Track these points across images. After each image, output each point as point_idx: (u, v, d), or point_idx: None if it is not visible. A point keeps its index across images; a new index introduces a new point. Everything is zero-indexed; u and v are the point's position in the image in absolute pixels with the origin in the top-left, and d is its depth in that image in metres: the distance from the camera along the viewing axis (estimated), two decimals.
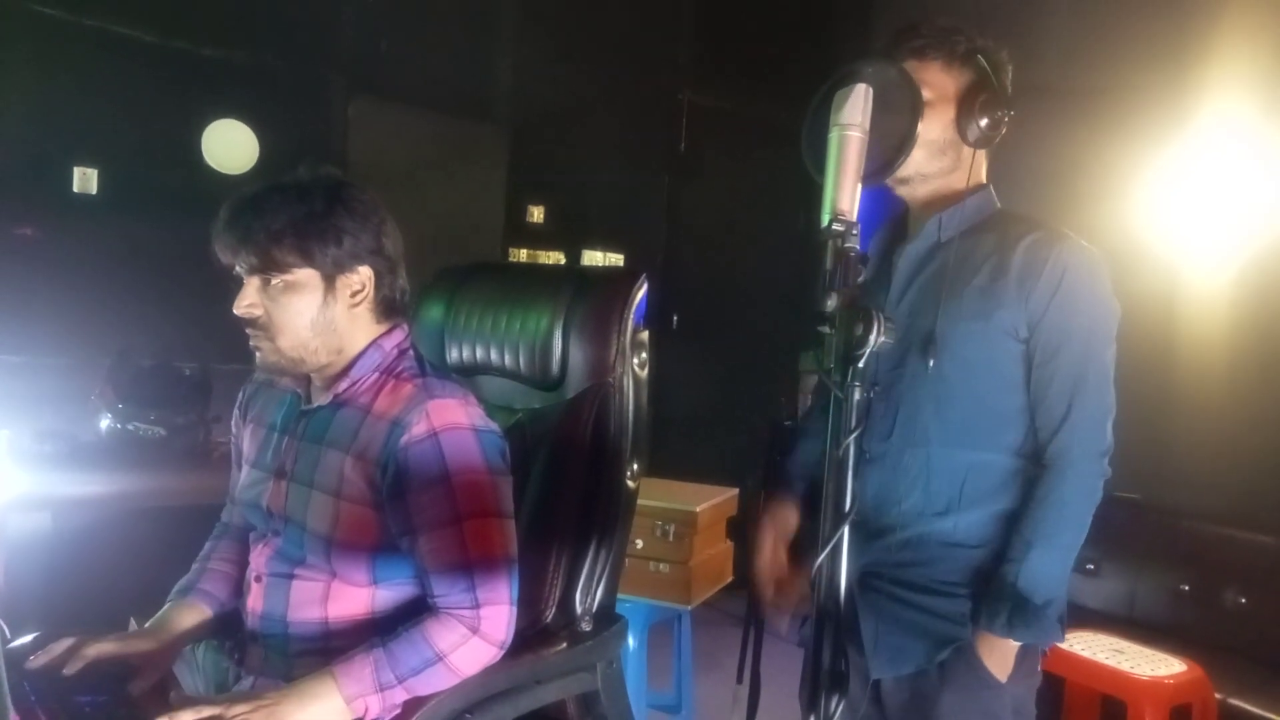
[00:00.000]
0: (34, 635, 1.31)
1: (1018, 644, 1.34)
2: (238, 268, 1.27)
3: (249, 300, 1.26)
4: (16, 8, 2.96)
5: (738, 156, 4.54)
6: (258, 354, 1.30)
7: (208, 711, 1.11)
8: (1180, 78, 3.02)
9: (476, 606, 1.22)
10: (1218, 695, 2.41)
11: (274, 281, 1.25)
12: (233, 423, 1.51)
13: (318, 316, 1.27)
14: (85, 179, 3.10)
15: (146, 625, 1.35)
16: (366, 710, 1.18)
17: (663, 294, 4.31)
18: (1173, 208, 3.12)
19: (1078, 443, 1.31)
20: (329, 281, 1.27)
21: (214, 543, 1.50)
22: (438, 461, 1.23)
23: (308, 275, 1.26)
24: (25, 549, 2.15)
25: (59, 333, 2.96)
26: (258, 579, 1.33)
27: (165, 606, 1.40)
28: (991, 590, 1.33)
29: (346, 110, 3.63)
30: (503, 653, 1.24)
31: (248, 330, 1.29)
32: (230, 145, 3.28)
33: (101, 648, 1.26)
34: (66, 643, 1.26)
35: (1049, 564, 1.31)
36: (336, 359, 1.31)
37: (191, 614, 1.38)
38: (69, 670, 1.22)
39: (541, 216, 4.25)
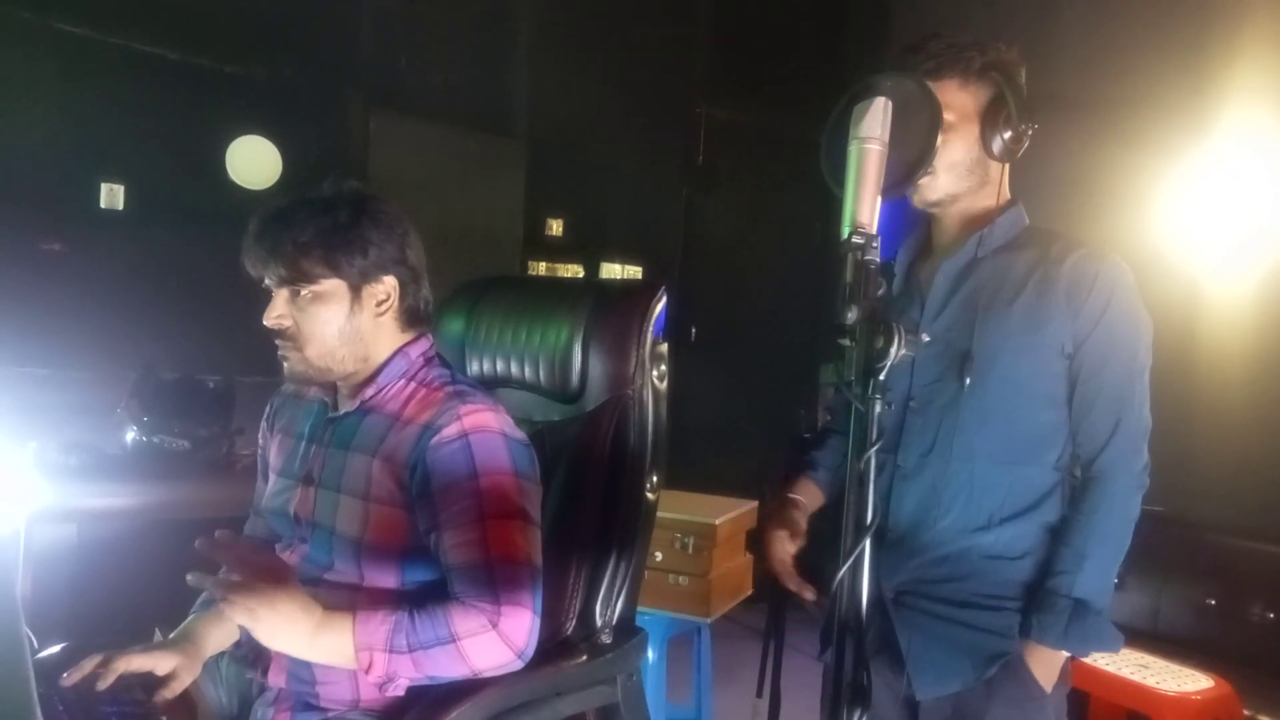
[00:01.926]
0: (61, 646, 1.33)
1: (1066, 654, 1.34)
2: (267, 280, 1.31)
3: (278, 312, 1.29)
4: (42, 26, 3.02)
5: (754, 169, 4.55)
6: (285, 364, 1.33)
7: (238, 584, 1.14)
8: (1196, 88, 3.00)
9: (497, 603, 1.20)
10: (1246, 712, 2.37)
11: (303, 292, 1.28)
12: (260, 434, 1.53)
13: (345, 325, 1.30)
14: (112, 195, 3.14)
15: (171, 636, 1.36)
16: (371, 665, 1.17)
17: (681, 306, 4.32)
18: (1191, 219, 3.10)
19: (1125, 457, 1.33)
20: (355, 291, 1.30)
21: None
22: (466, 461, 1.24)
23: (335, 285, 1.29)
24: (51, 560, 2.17)
25: (85, 346, 3.00)
26: None
27: (189, 618, 1.41)
28: (1044, 601, 1.33)
29: (367, 125, 3.67)
30: (522, 662, 1.22)
31: (276, 341, 1.32)
32: (254, 161, 3.32)
33: (129, 661, 1.27)
34: (96, 659, 1.27)
35: (1101, 574, 1.32)
36: (363, 367, 1.34)
37: (215, 624, 1.39)
38: (100, 685, 1.23)
39: (560, 229, 4.27)
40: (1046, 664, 1.34)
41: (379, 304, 1.32)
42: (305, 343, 1.30)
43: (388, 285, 1.32)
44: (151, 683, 1.26)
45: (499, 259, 3.99)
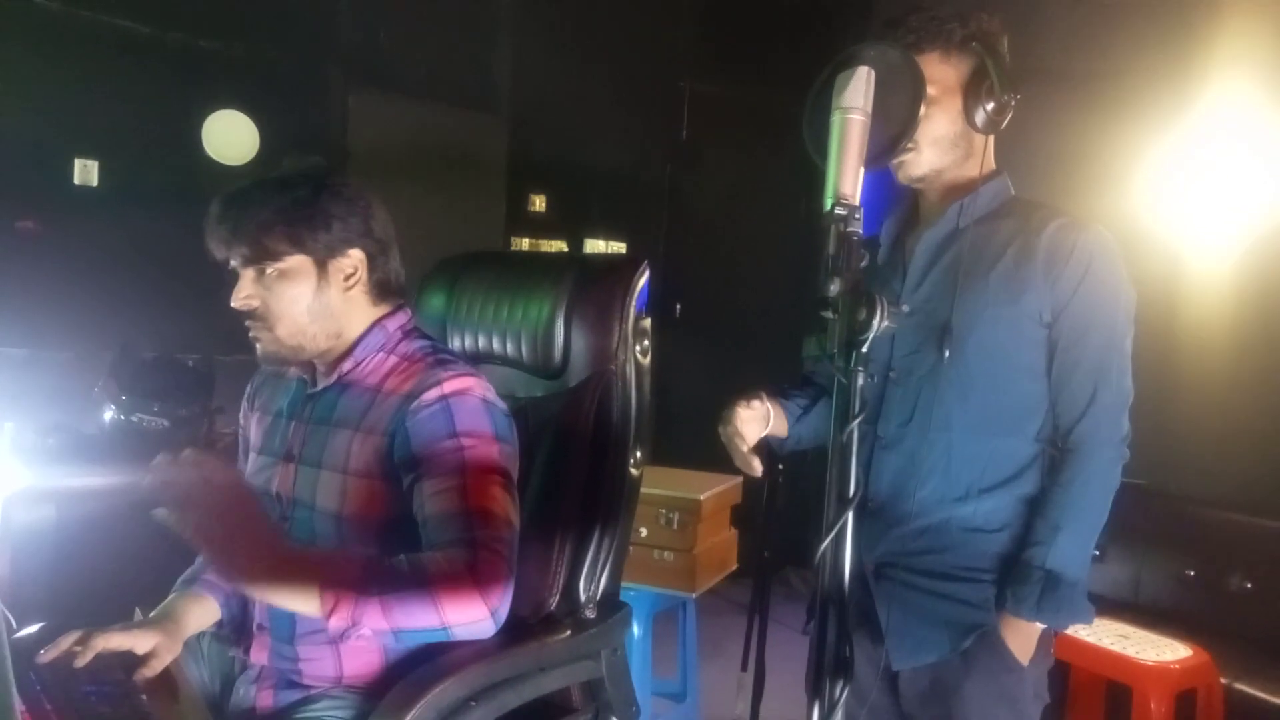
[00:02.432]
0: (40, 626, 1.31)
1: (1042, 626, 1.34)
2: (232, 262, 1.29)
3: (246, 292, 1.28)
4: (13, 1, 2.95)
5: (739, 145, 4.52)
6: (258, 345, 1.32)
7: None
8: (1181, 62, 3.00)
9: (474, 548, 1.15)
10: (1223, 680, 2.41)
11: (268, 271, 1.27)
12: (241, 414, 1.51)
13: (313, 302, 1.29)
14: (86, 171, 3.09)
15: (151, 615, 1.35)
16: (335, 608, 1.08)
17: (665, 282, 4.30)
18: (1175, 193, 3.11)
19: (1102, 428, 1.32)
20: (321, 267, 1.29)
21: None
22: (447, 422, 1.24)
23: (300, 262, 1.28)
24: (30, 541, 2.15)
25: (61, 326, 2.96)
26: None
27: (170, 597, 1.40)
28: (1018, 573, 1.33)
29: (347, 101, 3.62)
30: (494, 623, 1.15)
31: (247, 322, 1.30)
32: (230, 136, 3.27)
33: (108, 639, 1.26)
34: (74, 636, 1.26)
35: (1076, 546, 1.32)
36: (336, 343, 1.33)
37: (196, 604, 1.39)
38: (78, 663, 1.22)
39: (543, 205, 4.24)
40: (1022, 636, 1.34)
41: (347, 278, 1.31)
42: (275, 321, 1.29)
43: (354, 259, 1.31)
44: (131, 662, 1.25)
45: (482, 235, 3.96)
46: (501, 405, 1.32)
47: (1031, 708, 1.37)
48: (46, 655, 1.22)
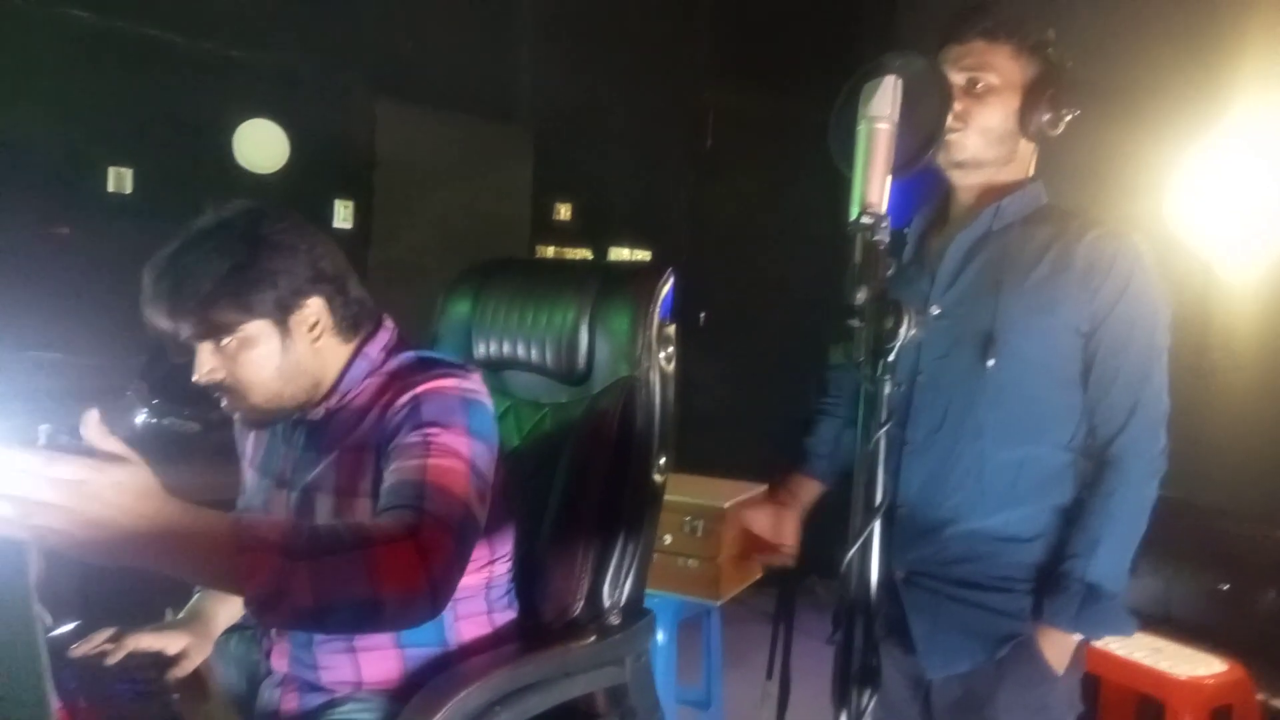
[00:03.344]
0: (74, 624, 1.34)
1: (1079, 637, 1.34)
2: (181, 335, 1.18)
3: (208, 366, 1.19)
4: (49, 12, 3.02)
5: (762, 152, 4.52)
6: (235, 417, 1.26)
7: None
8: (1214, 70, 2.96)
9: (420, 513, 1.03)
10: (1260, 696, 2.36)
11: (225, 342, 1.18)
12: (235, 428, 1.48)
13: (282, 362, 1.21)
14: (120, 178, 3.15)
15: (181, 615, 1.37)
16: (254, 570, 0.87)
17: (690, 290, 4.30)
18: (1208, 202, 3.07)
19: (1142, 440, 1.31)
20: (281, 324, 1.20)
21: None
22: (414, 416, 1.17)
23: (257, 327, 1.18)
24: None
25: (94, 330, 3.00)
26: None
27: (197, 595, 1.42)
28: (1057, 585, 1.32)
29: (373, 111, 3.66)
30: (430, 601, 0.98)
31: (215, 395, 1.23)
32: (260, 145, 3.32)
33: (139, 639, 1.28)
34: (106, 634, 1.28)
35: (1115, 559, 1.31)
36: (316, 392, 1.27)
37: (222, 605, 1.40)
38: (110, 661, 1.24)
39: (568, 214, 4.26)
40: (1058, 646, 1.34)
41: (311, 329, 1.23)
42: (246, 391, 1.21)
43: (313, 308, 1.22)
44: (163, 661, 1.27)
45: (507, 244, 3.98)
46: (485, 403, 1.24)
47: (1066, 717, 1.36)
48: (79, 651, 1.24)
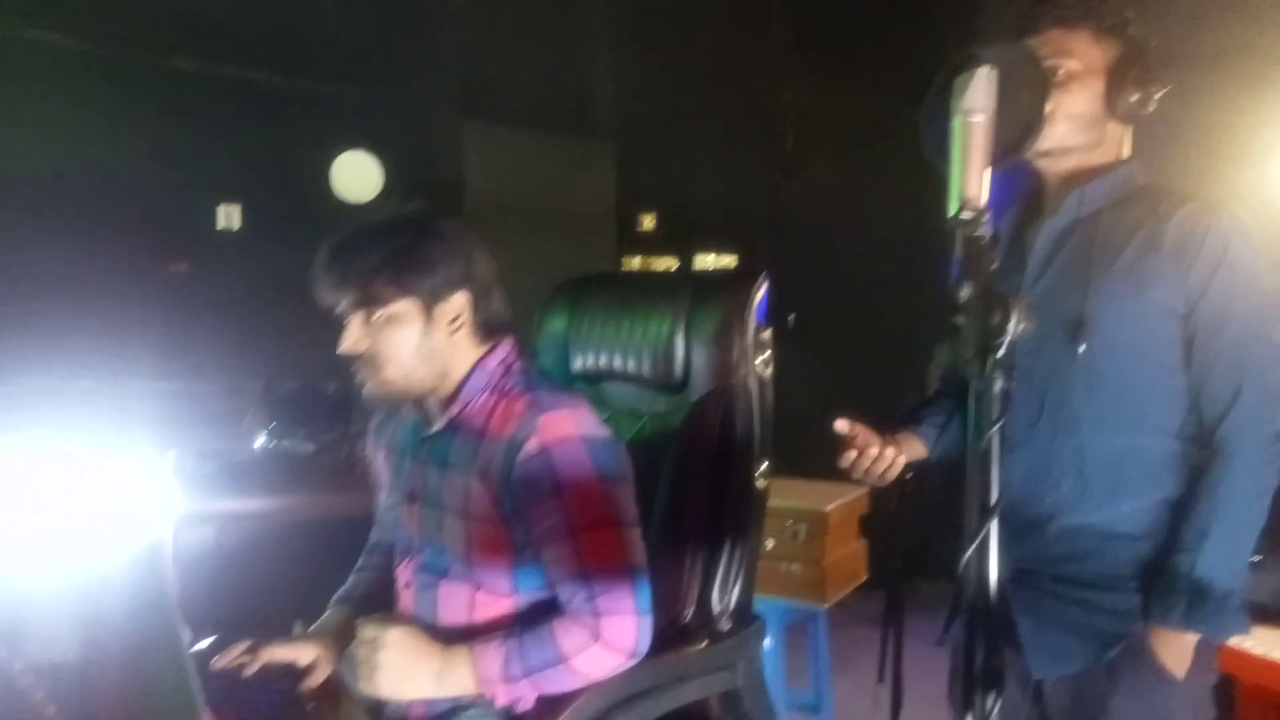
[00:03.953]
0: (212, 639, 1.42)
1: (1196, 638, 1.27)
2: (339, 307, 1.32)
3: (354, 337, 1.31)
4: (158, 63, 3.21)
5: (844, 151, 4.46)
6: (364, 388, 1.35)
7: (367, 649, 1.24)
8: None
9: (597, 616, 1.23)
10: None
11: (375, 315, 1.29)
12: (369, 445, 1.57)
13: (420, 345, 1.31)
14: (229, 216, 3.33)
15: (311, 629, 1.44)
16: (495, 696, 1.23)
17: (777, 293, 4.27)
18: None
19: (1249, 425, 1.25)
20: (427, 311, 1.31)
21: (367, 556, 1.58)
22: (550, 477, 1.25)
23: (406, 306, 1.29)
24: (194, 562, 2.32)
25: (211, 360, 3.18)
26: (406, 586, 1.40)
27: (327, 612, 1.49)
28: (1164, 582, 1.27)
29: (460, 135, 3.77)
30: (634, 660, 1.25)
31: (354, 366, 1.34)
32: (356, 175, 3.46)
33: (273, 650, 1.35)
34: (242, 646, 1.36)
35: (1226, 553, 1.24)
36: (442, 384, 1.35)
37: (352, 620, 1.45)
38: (247, 671, 1.31)
39: (652, 224, 4.30)
40: (1172, 648, 1.27)
41: (451, 321, 1.32)
42: (383, 365, 1.30)
43: (458, 303, 1.32)
44: (295, 672, 1.34)
45: (594, 257, 4.04)
46: (603, 435, 1.31)
47: None
48: (219, 663, 1.32)
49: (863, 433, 1.42)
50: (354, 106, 3.57)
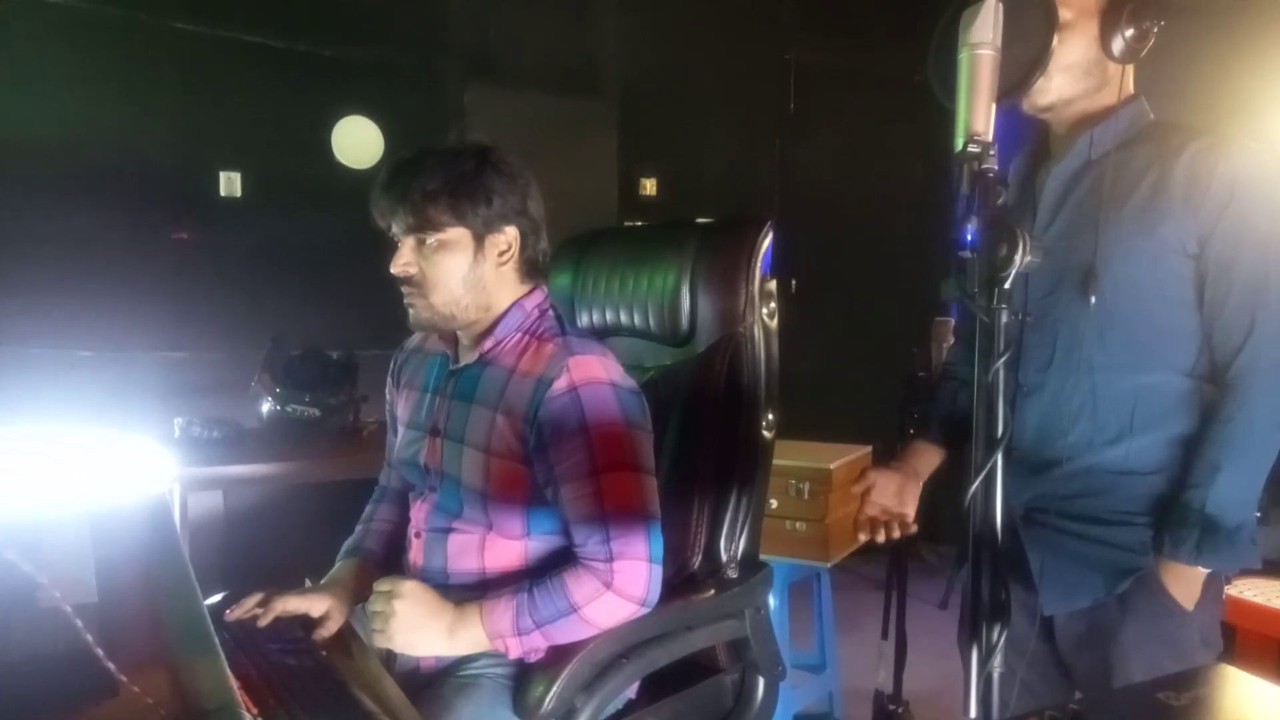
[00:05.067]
0: (223, 594, 1.43)
1: (1205, 571, 1.28)
2: (393, 229, 1.34)
3: (405, 259, 1.33)
4: (160, 26, 3.18)
5: (849, 112, 4.43)
6: (411, 311, 1.37)
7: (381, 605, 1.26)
8: None
9: (610, 560, 1.25)
10: None
11: (428, 240, 1.32)
12: (386, 390, 1.59)
13: (469, 273, 1.33)
14: (230, 183, 3.31)
15: (322, 582, 1.45)
16: (507, 648, 1.25)
17: (780, 257, 4.26)
18: None
19: (1263, 359, 1.24)
20: (479, 240, 1.33)
21: (374, 505, 1.59)
22: (577, 415, 1.27)
23: (459, 234, 1.32)
24: (204, 525, 2.33)
25: (216, 328, 3.19)
26: (417, 534, 1.41)
27: (336, 565, 1.49)
28: (1175, 516, 1.27)
29: (462, 98, 3.74)
30: (645, 609, 1.27)
31: (403, 289, 1.36)
32: (357, 141, 3.44)
33: (286, 602, 1.36)
34: (256, 598, 1.37)
35: (1238, 486, 1.25)
36: (484, 316, 1.37)
37: (361, 570, 1.47)
38: (261, 623, 1.32)
39: (654, 189, 4.27)
40: (1183, 581, 1.28)
41: (501, 254, 1.35)
42: (431, 289, 1.33)
43: (510, 235, 1.35)
44: (309, 622, 1.35)
45: (595, 222, 3.98)
46: (630, 385, 1.34)
47: (1199, 654, 1.30)
48: (233, 614, 1.33)
49: (878, 512, 1.55)
50: (354, 70, 3.54)
